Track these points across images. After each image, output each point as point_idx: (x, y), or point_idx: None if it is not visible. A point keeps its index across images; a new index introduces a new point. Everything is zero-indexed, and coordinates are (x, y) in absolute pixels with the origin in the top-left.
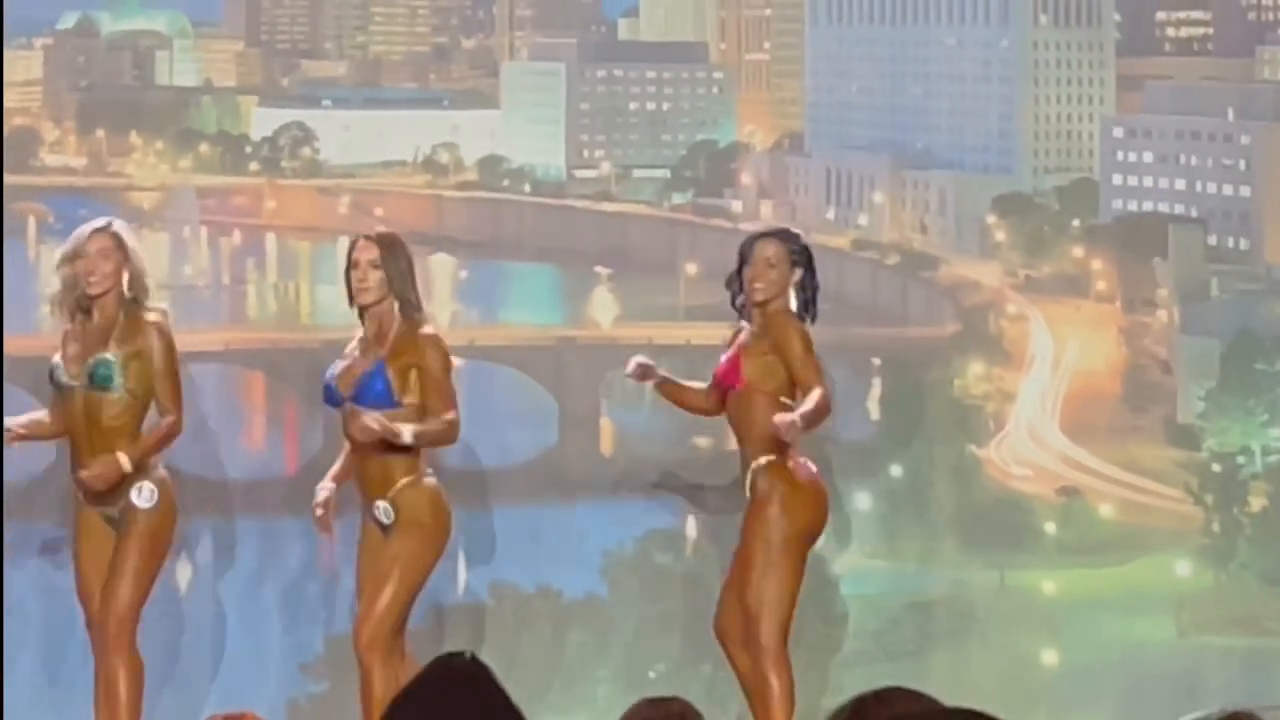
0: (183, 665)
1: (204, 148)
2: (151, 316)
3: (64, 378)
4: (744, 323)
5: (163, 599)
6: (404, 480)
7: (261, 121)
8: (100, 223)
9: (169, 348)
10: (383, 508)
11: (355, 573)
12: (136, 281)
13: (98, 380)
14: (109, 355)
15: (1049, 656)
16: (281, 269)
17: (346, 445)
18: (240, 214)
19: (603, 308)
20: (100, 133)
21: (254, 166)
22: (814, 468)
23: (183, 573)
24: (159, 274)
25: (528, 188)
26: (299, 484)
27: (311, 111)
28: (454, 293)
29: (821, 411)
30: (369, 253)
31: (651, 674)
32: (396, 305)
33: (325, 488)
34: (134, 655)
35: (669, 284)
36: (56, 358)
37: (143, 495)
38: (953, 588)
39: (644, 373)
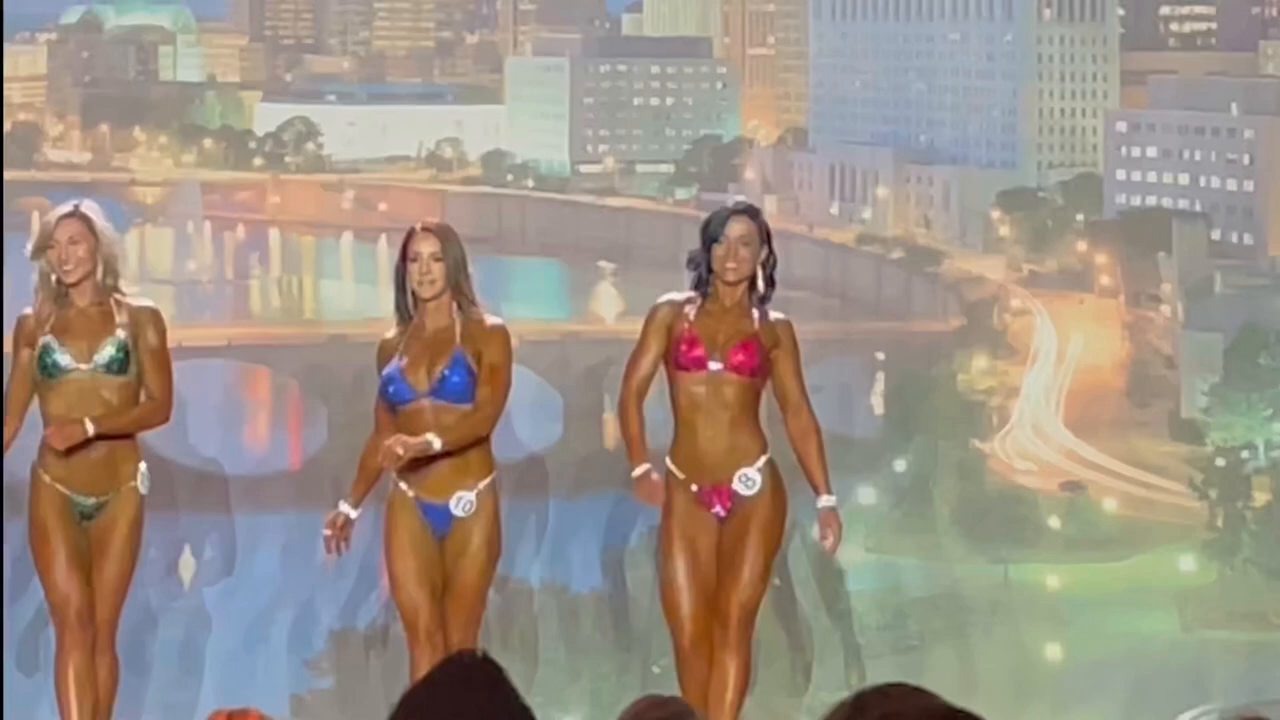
0: (185, 661)
1: (208, 143)
2: (145, 302)
3: (67, 362)
4: (694, 297)
5: (166, 595)
6: (487, 471)
7: (265, 117)
8: (67, 208)
9: (164, 334)
10: (465, 500)
11: (392, 562)
12: (109, 264)
13: (114, 365)
14: (123, 339)
15: (1053, 651)
16: (285, 264)
17: (374, 451)
18: (244, 209)
19: (607, 303)
20: (104, 128)
21: (258, 162)
22: None
23: (186, 568)
24: (163, 269)
25: (531, 183)
26: (303, 479)
27: (315, 106)
28: None
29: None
30: (430, 245)
31: (656, 669)
32: (450, 296)
33: (343, 512)
34: (116, 652)
35: (673, 279)
36: (47, 341)
37: (140, 478)
38: (956, 583)
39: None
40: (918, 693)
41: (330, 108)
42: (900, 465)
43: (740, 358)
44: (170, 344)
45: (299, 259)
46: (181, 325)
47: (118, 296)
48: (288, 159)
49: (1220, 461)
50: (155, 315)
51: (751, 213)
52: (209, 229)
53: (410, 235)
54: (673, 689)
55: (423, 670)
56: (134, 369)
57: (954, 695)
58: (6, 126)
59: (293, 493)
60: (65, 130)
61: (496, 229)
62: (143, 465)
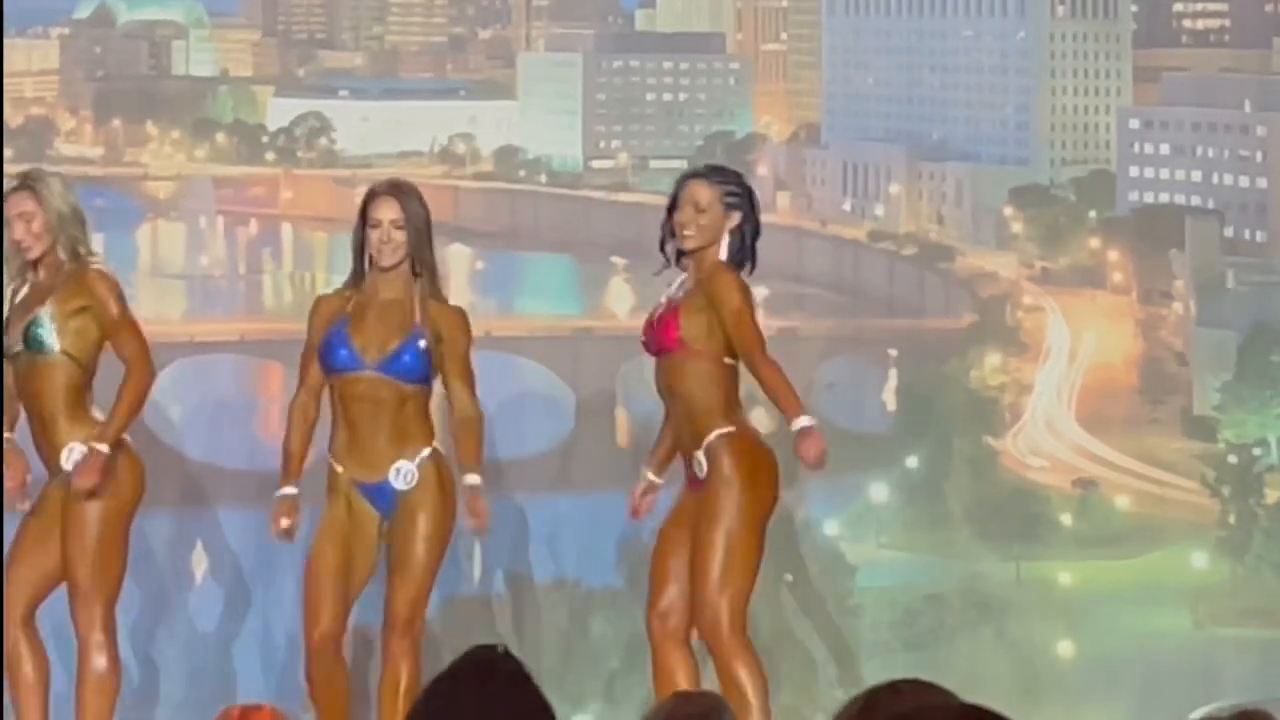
0: (197, 658)
1: (220, 138)
2: (95, 266)
3: (7, 344)
4: (678, 274)
5: (178, 590)
6: (428, 440)
7: (278, 112)
8: (14, 181)
9: (119, 296)
10: (406, 471)
11: (309, 555)
12: (66, 234)
13: (32, 343)
14: (42, 314)
15: (1065, 648)
16: (298, 259)
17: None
18: (256, 204)
19: (619, 298)
20: (116, 122)
21: (270, 157)
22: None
23: (198, 564)
24: (175, 264)
25: (544, 178)
26: (314, 474)
27: (328, 101)
28: (470, 283)
29: (790, 393)
30: (391, 211)
31: None
32: (412, 268)
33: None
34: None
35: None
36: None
37: (73, 456)
38: (968, 579)
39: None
40: (930, 689)
41: (343, 103)
42: (912, 462)
43: (655, 331)
44: (182, 338)
45: (311, 254)
46: (193, 320)
47: (71, 266)
48: (300, 154)
49: (1233, 459)
50: (105, 276)
51: (718, 176)
52: (221, 224)
53: (370, 197)
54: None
55: (315, 678)
56: (63, 345)
57: (965, 692)
58: (19, 120)
59: (305, 488)
60: (78, 125)
61: (509, 224)
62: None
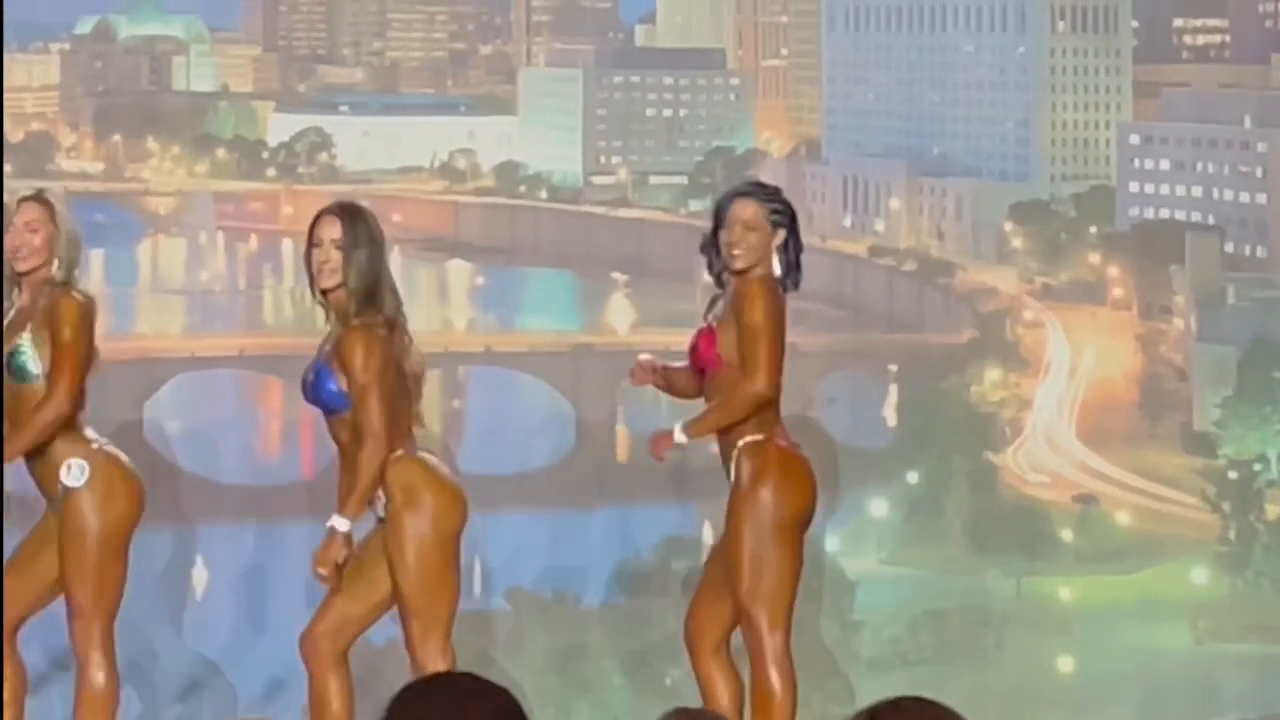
0: (199, 670)
1: (221, 153)
2: (75, 295)
3: None
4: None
5: (179, 604)
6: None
7: (278, 127)
8: (29, 191)
9: (77, 322)
10: (75, 466)
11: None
12: (65, 258)
13: (17, 373)
14: (22, 342)
15: (1065, 663)
16: (298, 274)
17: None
18: (257, 219)
19: (619, 314)
20: (117, 138)
21: (271, 172)
22: (798, 446)
23: (199, 578)
24: (175, 279)
25: (545, 194)
26: (316, 488)
27: (328, 117)
28: (470, 298)
29: (732, 414)
30: (332, 230)
31: (667, 680)
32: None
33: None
34: (115, 662)
35: (686, 290)
36: None
37: (71, 473)
38: (969, 595)
39: (642, 376)
40: (931, 706)
41: (343, 118)
42: (913, 477)
43: (698, 350)
44: (182, 353)
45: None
46: (194, 335)
47: (55, 293)
48: (300, 169)
49: (1232, 474)
50: (80, 306)
51: (763, 193)
52: (222, 239)
53: (315, 219)
54: (685, 700)
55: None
56: (41, 370)
57: (966, 708)
58: (20, 136)
59: (306, 502)
60: (78, 140)
61: (509, 240)
62: (77, 459)
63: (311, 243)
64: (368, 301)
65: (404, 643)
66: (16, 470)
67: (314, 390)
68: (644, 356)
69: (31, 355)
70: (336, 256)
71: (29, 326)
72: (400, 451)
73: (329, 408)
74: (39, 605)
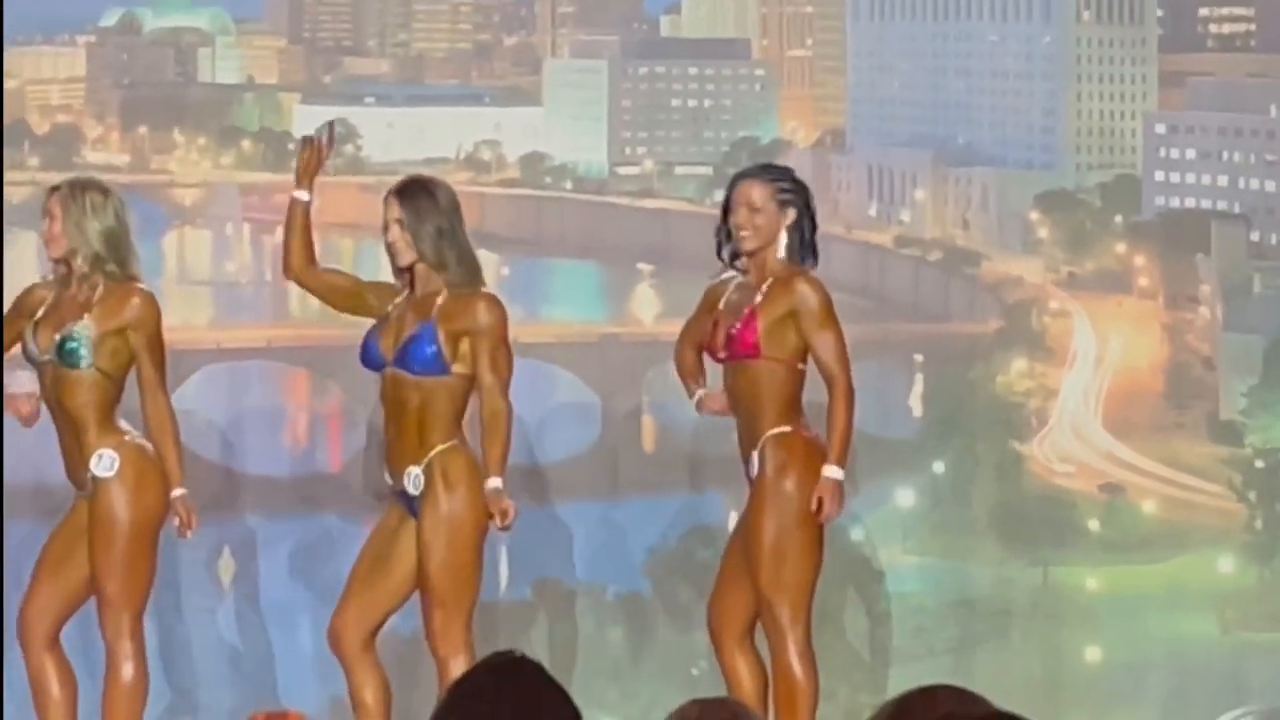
0: (225, 663)
1: (246, 145)
2: (141, 287)
3: (34, 351)
4: (730, 274)
5: (205, 596)
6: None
7: (304, 119)
8: (57, 183)
9: (157, 321)
10: (107, 458)
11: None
12: (111, 245)
13: (66, 358)
14: (78, 329)
15: (1092, 653)
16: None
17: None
18: (282, 211)
19: (645, 304)
20: (143, 130)
21: (296, 164)
22: (821, 436)
23: (226, 570)
24: (201, 271)
25: (570, 185)
26: (343, 480)
27: (354, 108)
28: (496, 289)
29: (851, 423)
30: (393, 210)
31: (694, 671)
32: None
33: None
34: (142, 656)
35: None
36: (28, 329)
37: (102, 463)
38: (995, 585)
39: (711, 405)
40: (963, 695)
41: (369, 110)
42: (939, 467)
43: (738, 337)
44: (209, 345)
45: (338, 261)
46: (220, 327)
47: (116, 281)
48: (326, 161)
49: (1259, 463)
50: (151, 301)
51: (770, 174)
52: (247, 231)
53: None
54: (713, 691)
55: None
56: (98, 361)
57: (993, 697)
58: (45, 128)
59: (333, 495)
60: (104, 132)
61: (535, 231)
62: (108, 449)
63: (384, 226)
64: (460, 266)
65: (424, 633)
66: (16, 463)
67: (408, 353)
68: (702, 391)
69: (86, 344)
70: (402, 235)
71: (86, 316)
72: (454, 441)
73: (419, 369)
74: (79, 603)
